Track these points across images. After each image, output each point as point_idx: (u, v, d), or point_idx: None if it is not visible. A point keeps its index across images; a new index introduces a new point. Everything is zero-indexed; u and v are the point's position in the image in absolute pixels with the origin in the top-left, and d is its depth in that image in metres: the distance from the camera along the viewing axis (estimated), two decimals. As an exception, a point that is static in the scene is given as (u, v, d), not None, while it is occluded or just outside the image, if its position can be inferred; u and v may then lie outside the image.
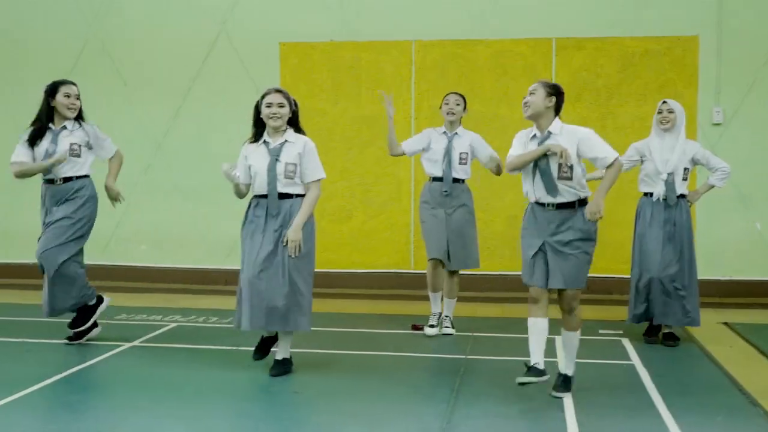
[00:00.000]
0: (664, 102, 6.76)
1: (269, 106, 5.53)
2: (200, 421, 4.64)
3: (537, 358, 5.02)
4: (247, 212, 5.64)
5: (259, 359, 5.77)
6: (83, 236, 6.63)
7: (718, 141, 9.03)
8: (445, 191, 6.93)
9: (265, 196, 5.55)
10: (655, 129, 6.80)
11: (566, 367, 5.22)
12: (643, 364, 5.93)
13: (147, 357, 6.14)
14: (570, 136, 5.15)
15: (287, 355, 5.67)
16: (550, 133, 5.15)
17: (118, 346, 6.41)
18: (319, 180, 5.64)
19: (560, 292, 5.15)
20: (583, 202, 5.18)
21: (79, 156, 6.46)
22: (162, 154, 10.02)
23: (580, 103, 9.22)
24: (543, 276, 5.12)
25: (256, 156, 5.58)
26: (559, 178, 5.07)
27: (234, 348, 6.30)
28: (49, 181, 6.45)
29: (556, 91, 5.25)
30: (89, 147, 6.58)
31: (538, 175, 5.12)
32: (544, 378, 4.98)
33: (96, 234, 10.00)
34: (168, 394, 5.15)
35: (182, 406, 4.92)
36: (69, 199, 6.47)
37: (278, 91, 5.59)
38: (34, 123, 6.45)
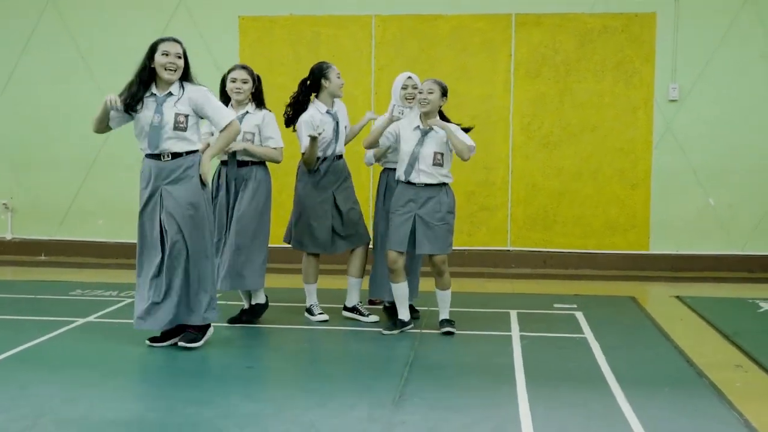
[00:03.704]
0: (409, 77, 6.47)
1: (233, 81, 6.12)
2: (151, 396, 4.65)
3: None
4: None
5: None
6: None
7: (674, 117, 9.14)
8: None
9: (225, 163, 6.12)
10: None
11: (445, 314, 6.22)
12: (596, 337, 6.02)
13: (100, 333, 6.10)
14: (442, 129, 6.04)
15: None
16: (431, 128, 6.06)
17: (72, 321, 6.37)
18: (277, 148, 6.23)
19: (431, 257, 6.10)
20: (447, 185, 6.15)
21: (185, 129, 5.45)
22: (120, 128, 9.88)
23: (539, 79, 9.27)
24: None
25: None
26: (433, 164, 6.02)
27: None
28: (155, 156, 5.51)
29: (445, 91, 6.14)
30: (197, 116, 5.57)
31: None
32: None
33: (52, 208, 10.04)
34: (120, 371, 5.14)
35: (133, 382, 4.93)
36: (181, 178, 5.48)
37: (243, 67, 6.19)
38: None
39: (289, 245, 6.63)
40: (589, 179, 9.29)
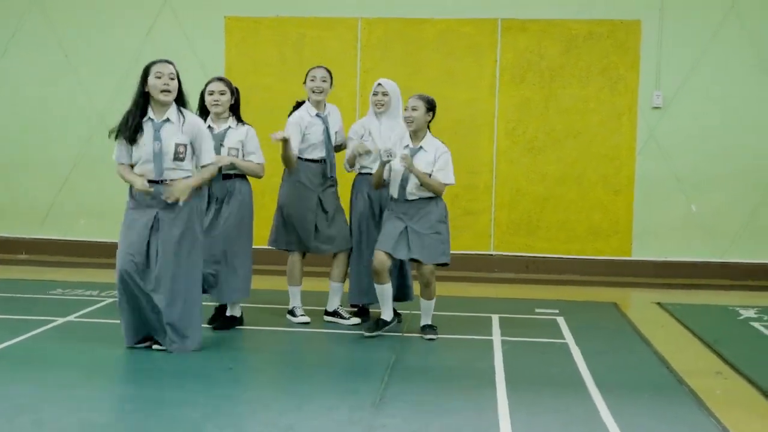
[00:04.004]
0: (379, 84, 6.45)
1: (211, 93, 6.05)
2: (130, 396, 4.62)
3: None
4: None
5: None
6: None
7: (658, 124, 9.18)
8: (331, 176, 6.57)
9: None
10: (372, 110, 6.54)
11: (427, 319, 6.23)
12: (577, 343, 6.04)
13: (80, 332, 6.07)
14: (433, 150, 6.06)
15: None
16: (421, 147, 6.05)
17: (52, 321, 6.32)
18: (260, 164, 6.22)
19: (419, 267, 6.10)
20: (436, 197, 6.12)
21: (183, 159, 5.42)
22: (104, 127, 9.68)
23: (524, 84, 9.29)
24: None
25: None
26: (418, 187, 6.04)
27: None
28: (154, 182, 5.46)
29: (432, 107, 6.08)
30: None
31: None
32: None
33: (34, 207, 9.97)
34: (99, 371, 5.11)
35: (113, 382, 4.89)
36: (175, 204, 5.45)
37: (220, 79, 6.12)
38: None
39: (274, 247, 6.60)
40: (573, 185, 9.32)
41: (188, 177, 5.46)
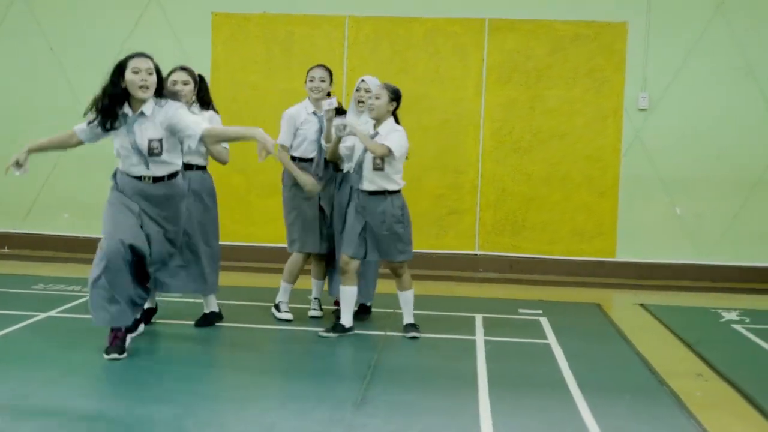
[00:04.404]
0: (363, 80, 6.47)
1: (174, 83, 5.87)
2: (110, 393, 4.60)
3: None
4: None
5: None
6: None
7: (643, 126, 9.21)
8: (317, 175, 6.53)
9: None
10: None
11: (409, 317, 6.20)
12: (559, 344, 6.04)
13: (61, 328, 6.03)
14: (386, 131, 6.00)
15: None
16: (377, 133, 6.00)
17: (33, 316, 6.28)
18: (226, 148, 6.10)
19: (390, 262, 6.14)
20: (391, 192, 6.05)
21: (159, 154, 5.25)
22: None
23: (510, 85, 9.31)
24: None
25: None
26: (373, 169, 5.98)
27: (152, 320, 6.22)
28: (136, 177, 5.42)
29: (396, 96, 6.05)
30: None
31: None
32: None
33: (17, 201, 9.90)
34: (79, 367, 5.07)
35: (93, 379, 4.86)
36: (162, 202, 5.43)
37: (183, 68, 5.96)
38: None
39: (293, 251, 6.57)
40: (557, 185, 9.34)
41: (178, 173, 5.36)
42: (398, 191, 6.08)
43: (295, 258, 6.54)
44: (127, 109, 5.21)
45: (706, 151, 9.17)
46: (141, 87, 5.13)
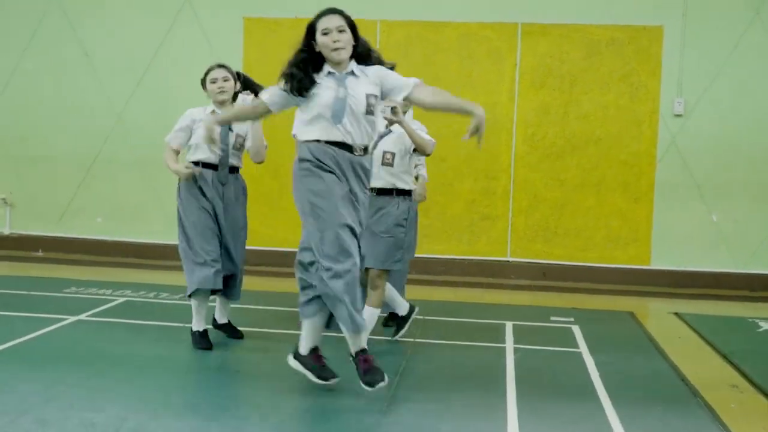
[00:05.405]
0: None
1: (214, 81, 5.71)
2: (135, 397, 4.57)
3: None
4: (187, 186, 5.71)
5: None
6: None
7: (679, 132, 9.06)
8: None
9: (209, 167, 5.71)
10: None
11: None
12: (590, 352, 5.94)
13: (90, 332, 6.04)
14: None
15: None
16: (390, 130, 5.83)
17: (63, 319, 6.31)
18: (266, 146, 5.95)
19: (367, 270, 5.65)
20: (400, 192, 5.77)
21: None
22: (122, 126, 9.88)
23: (544, 90, 9.21)
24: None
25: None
26: (382, 163, 5.73)
27: (180, 324, 6.22)
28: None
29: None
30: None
31: None
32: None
33: (51, 204, 10.00)
34: (105, 371, 5.06)
35: (117, 383, 4.85)
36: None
37: (221, 66, 5.78)
38: None
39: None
40: (591, 191, 9.22)
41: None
42: (408, 192, 5.81)
43: None
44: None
45: (743, 156, 9.00)
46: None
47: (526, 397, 4.79)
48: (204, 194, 5.67)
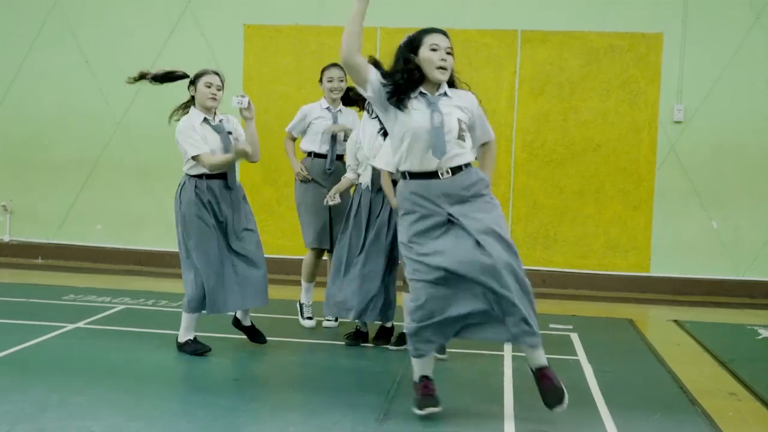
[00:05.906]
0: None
1: (209, 86, 5.68)
2: (134, 405, 4.57)
3: None
4: (190, 191, 5.70)
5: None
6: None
7: (679, 139, 9.06)
8: (329, 169, 6.62)
9: (211, 177, 5.70)
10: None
11: None
12: (589, 360, 5.93)
13: (88, 339, 6.04)
14: None
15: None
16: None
17: (61, 327, 6.31)
18: None
19: None
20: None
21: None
22: (122, 132, 9.89)
23: (543, 97, 9.21)
24: None
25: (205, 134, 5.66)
26: None
27: (178, 332, 6.20)
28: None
29: None
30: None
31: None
32: None
33: (51, 211, 10.00)
34: (103, 379, 5.06)
35: (118, 391, 4.84)
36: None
37: (216, 73, 5.78)
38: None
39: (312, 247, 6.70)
40: (591, 198, 9.22)
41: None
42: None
43: (306, 256, 6.67)
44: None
45: (744, 164, 8.99)
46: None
47: (524, 405, 4.79)
48: (211, 209, 5.64)
